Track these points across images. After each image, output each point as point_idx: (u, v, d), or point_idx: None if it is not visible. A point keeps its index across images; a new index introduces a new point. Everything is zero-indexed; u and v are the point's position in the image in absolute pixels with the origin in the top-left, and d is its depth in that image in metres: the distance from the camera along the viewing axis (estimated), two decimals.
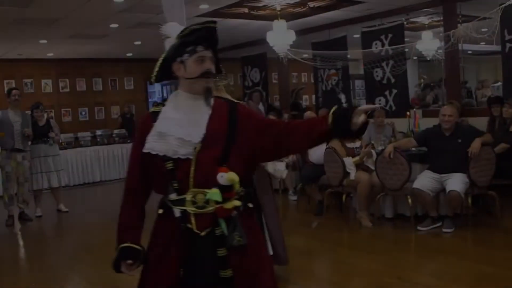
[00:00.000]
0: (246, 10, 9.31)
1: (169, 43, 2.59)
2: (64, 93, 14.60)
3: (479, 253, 5.58)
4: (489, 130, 7.46)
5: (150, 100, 16.73)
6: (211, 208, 2.41)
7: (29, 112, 8.91)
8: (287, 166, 5.90)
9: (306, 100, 16.40)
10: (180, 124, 2.47)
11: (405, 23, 10.12)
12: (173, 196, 2.47)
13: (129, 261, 2.53)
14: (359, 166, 6.97)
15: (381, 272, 5.10)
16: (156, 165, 2.48)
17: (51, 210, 9.24)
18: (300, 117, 10.19)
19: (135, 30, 10.35)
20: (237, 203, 2.45)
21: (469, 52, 14.83)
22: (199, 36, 2.48)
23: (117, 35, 10.85)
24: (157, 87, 18.52)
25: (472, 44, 12.31)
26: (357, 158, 6.89)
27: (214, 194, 2.37)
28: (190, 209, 2.42)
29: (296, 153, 2.55)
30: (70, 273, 5.74)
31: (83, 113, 14.94)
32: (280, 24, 8.88)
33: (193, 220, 2.42)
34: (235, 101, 2.70)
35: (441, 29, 9.59)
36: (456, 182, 6.17)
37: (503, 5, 7.03)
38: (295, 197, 8.72)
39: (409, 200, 6.51)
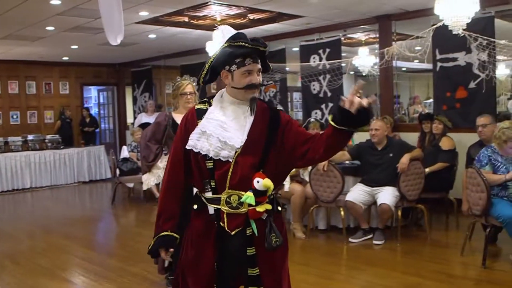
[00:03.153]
0: (186, 19, 9.27)
1: (217, 37, 2.65)
2: None
3: (407, 264, 5.72)
4: (420, 145, 7.70)
5: (85, 105, 16.35)
6: (243, 210, 2.56)
7: None
8: None
9: None
10: (224, 127, 2.58)
11: (342, 38, 10.33)
12: (208, 195, 2.61)
13: (171, 249, 2.71)
14: (294, 178, 7.05)
15: (313, 284, 5.16)
16: (197, 162, 2.62)
17: None
18: None
19: (72, 34, 10.13)
20: (269, 206, 2.60)
21: (403, 69, 15.28)
22: (248, 51, 2.57)
23: (53, 38, 10.58)
24: (93, 92, 18.13)
25: (406, 61, 12.67)
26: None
27: (249, 197, 2.52)
28: (224, 208, 2.57)
29: (317, 163, 2.54)
30: None
31: (15, 116, 14.45)
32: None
33: (225, 219, 2.57)
34: (278, 108, 2.78)
35: (377, 45, 9.84)
36: (386, 195, 6.33)
37: (435, 26, 7.29)
38: None
39: (342, 213, 6.63)
